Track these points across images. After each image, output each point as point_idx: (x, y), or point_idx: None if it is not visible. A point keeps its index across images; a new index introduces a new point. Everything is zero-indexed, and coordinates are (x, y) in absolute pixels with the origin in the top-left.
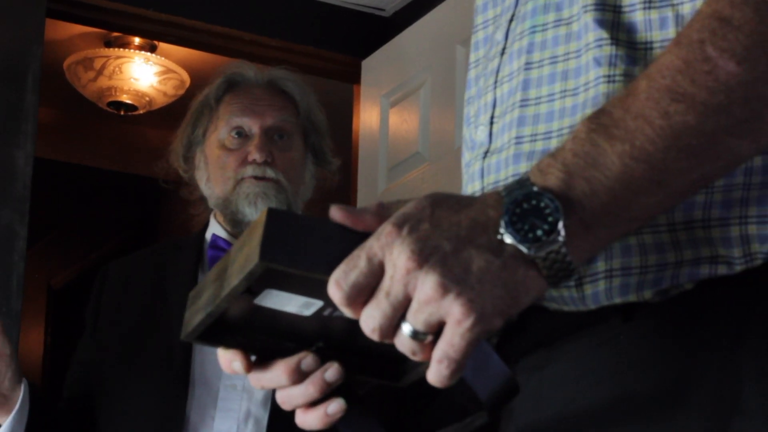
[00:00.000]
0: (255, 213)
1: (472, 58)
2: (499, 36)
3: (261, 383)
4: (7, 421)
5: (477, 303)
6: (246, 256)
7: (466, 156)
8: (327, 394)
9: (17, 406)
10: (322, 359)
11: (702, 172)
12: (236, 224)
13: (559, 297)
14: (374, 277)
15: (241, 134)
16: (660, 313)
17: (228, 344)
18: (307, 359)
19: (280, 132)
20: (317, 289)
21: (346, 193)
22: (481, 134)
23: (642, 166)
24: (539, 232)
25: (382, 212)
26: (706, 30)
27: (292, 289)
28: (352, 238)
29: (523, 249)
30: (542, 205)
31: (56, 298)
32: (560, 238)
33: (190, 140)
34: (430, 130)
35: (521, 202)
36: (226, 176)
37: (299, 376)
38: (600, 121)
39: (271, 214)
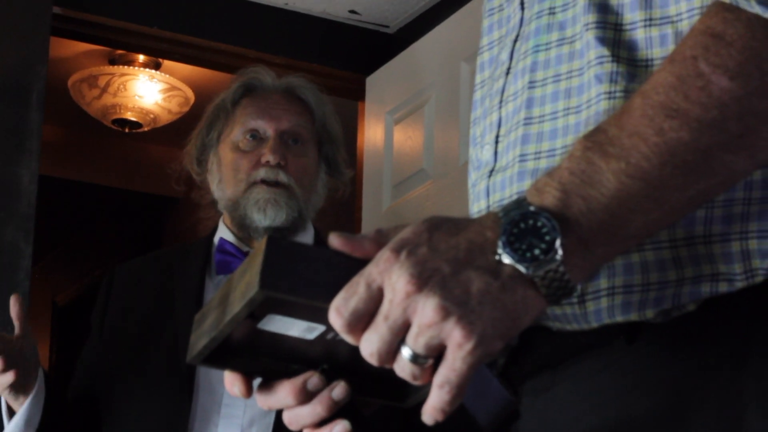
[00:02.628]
0: (263, 219)
1: (478, 79)
2: (504, 56)
3: (268, 404)
4: (26, 403)
5: (478, 326)
6: (247, 284)
7: (473, 176)
8: (333, 414)
9: (35, 390)
10: (328, 380)
11: (698, 188)
12: (244, 228)
13: (562, 315)
14: (374, 302)
15: (256, 137)
16: (663, 335)
17: (233, 367)
18: (313, 379)
19: (295, 137)
20: (319, 315)
21: (350, 210)
22: (487, 153)
23: (638, 183)
24: (537, 252)
25: (380, 238)
26: (699, 46)
27: (294, 314)
28: (352, 265)
29: (521, 269)
30: (539, 224)
31: (61, 314)
32: (558, 257)
33: (204, 143)
34: (435, 146)
35: (518, 222)
36: (239, 178)
37: (305, 396)
38: (595, 139)
39: (271, 242)
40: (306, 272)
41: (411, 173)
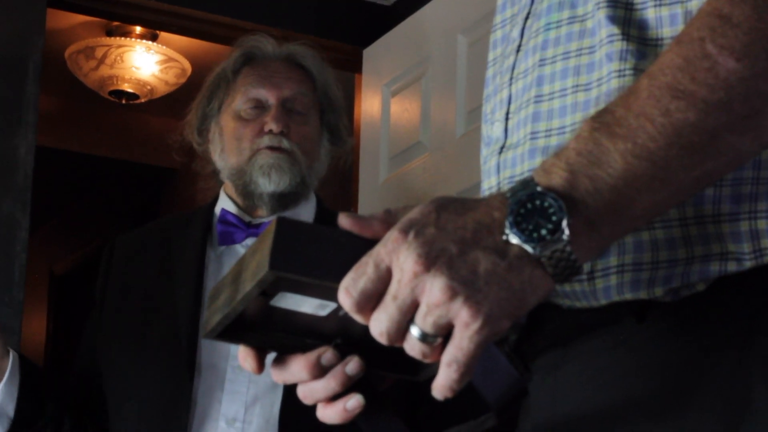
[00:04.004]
0: (268, 184)
1: (490, 56)
2: (515, 33)
3: (282, 378)
4: None
5: (485, 305)
6: (257, 263)
7: (483, 152)
8: (348, 388)
9: (5, 377)
10: (342, 355)
11: (704, 169)
12: (248, 195)
13: (572, 292)
14: (382, 282)
15: (258, 105)
16: (672, 314)
17: (248, 342)
18: (327, 354)
19: (297, 105)
20: (330, 293)
21: (347, 182)
22: (497, 130)
23: (644, 163)
24: (543, 232)
25: (389, 219)
26: (705, 28)
27: (305, 292)
28: (361, 245)
29: (528, 249)
30: (546, 204)
31: (58, 284)
32: (564, 237)
33: (205, 113)
34: (432, 119)
35: (525, 203)
36: (242, 147)
37: (319, 370)
38: (602, 120)
39: (281, 222)
40: (315, 252)
41: (408, 145)
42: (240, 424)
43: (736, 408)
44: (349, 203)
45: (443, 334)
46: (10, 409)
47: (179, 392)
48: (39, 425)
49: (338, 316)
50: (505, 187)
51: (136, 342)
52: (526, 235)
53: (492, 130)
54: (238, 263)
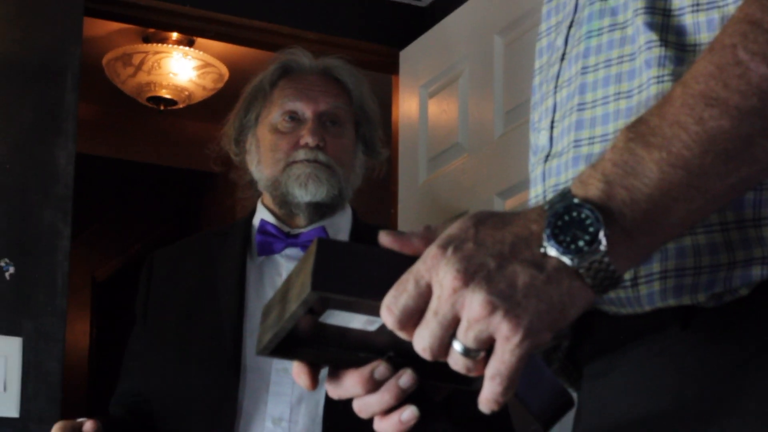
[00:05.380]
0: (305, 195)
1: (537, 64)
2: (560, 42)
3: (337, 393)
4: None
5: (524, 318)
6: (301, 283)
7: (531, 160)
8: (403, 400)
9: None
10: (395, 367)
11: (740, 175)
12: (285, 206)
13: (616, 299)
14: (423, 299)
15: (294, 118)
16: (716, 319)
17: (301, 357)
18: (380, 368)
19: (333, 118)
20: (375, 310)
21: (386, 184)
22: (543, 138)
23: (680, 172)
24: (581, 243)
25: (428, 235)
26: (737, 34)
27: (351, 309)
28: (401, 262)
29: (566, 261)
30: (583, 216)
31: (100, 289)
32: (602, 248)
33: (242, 124)
34: (469, 120)
35: (562, 215)
36: (277, 159)
37: (373, 384)
38: (637, 130)
39: (321, 243)
40: (356, 271)
41: (446, 147)
42: (286, 423)
43: None
44: (389, 206)
45: (485, 348)
46: None
47: (225, 394)
48: None
49: (387, 330)
50: (550, 195)
51: (181, 350)
52: (564, 247)
53: (538, 138)
54: (286, 282)
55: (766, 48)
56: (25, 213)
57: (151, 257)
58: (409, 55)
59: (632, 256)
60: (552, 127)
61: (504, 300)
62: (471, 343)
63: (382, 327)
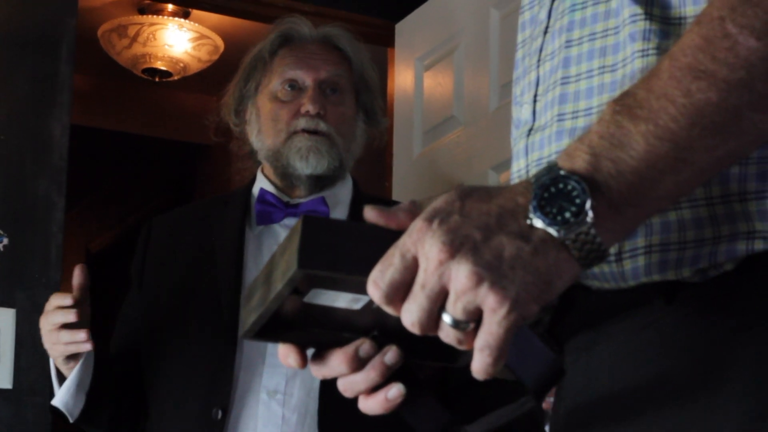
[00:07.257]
0: (306, 167)
1: (519, 38)
2: (543, 15)
3: (322, 373)
4: (77, 367)
5: (511, 290)
6: (287, 262)
7: (514, 134)
8: (388, 378)
9: (84, 354)
10: (379, 346)
11: (727, 148)
12: (285, 177)
13: (600, 273)
14: (409, 272)
15: (295, 87)
16: (701, 294)
17: (286, 339)
18: (364, 345)
19: (333, 86)
20: (361, 287)
21: (381, 157)
22: (526, 112)
23: (666, 144)
24: (567, 215)
25: (414, 209)
26: (725, 7)
27: (336, 287)
28: (387, 237)
29: (553, 232)
30: (569, 187)
31: (95, 261)
32: (588, 219)
33: (242, 94)
34: (465, 93)
35: (549, 187)
36: (279, 128)
37: (358, 363)
38: (624, 103)
39: (307, 221)
40: (342, 247)
41: (441, 120)
42: (281, 396)
43: (766, 387)
44: (384, 178)
45: (474, 319)
46: (87, 383)
47: (221, 365)
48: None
49: (372, 308)
50: (534, 169)
51: (176, 318)
52: (550, 218)
53: (521, 112)
54: (269, 263)
55: (755, 21)
56: (19, 184)
57: (150, 222)
58: (404, 28)
59: (618, 228)
60: (535, 101)
61: (490, 271)
62: (460, 315)
63: (367, 306)
